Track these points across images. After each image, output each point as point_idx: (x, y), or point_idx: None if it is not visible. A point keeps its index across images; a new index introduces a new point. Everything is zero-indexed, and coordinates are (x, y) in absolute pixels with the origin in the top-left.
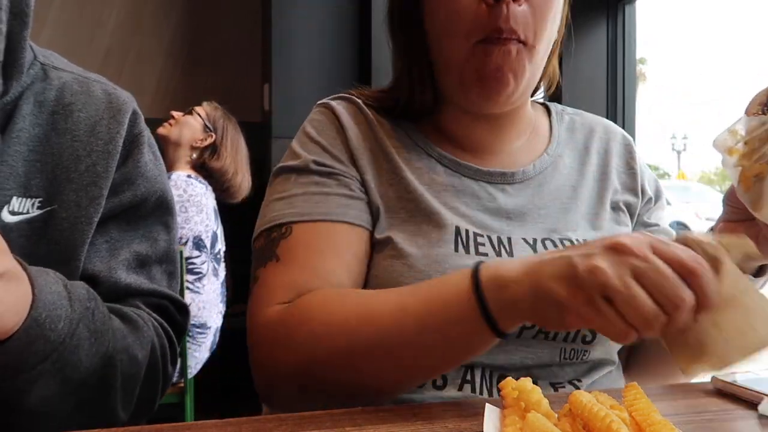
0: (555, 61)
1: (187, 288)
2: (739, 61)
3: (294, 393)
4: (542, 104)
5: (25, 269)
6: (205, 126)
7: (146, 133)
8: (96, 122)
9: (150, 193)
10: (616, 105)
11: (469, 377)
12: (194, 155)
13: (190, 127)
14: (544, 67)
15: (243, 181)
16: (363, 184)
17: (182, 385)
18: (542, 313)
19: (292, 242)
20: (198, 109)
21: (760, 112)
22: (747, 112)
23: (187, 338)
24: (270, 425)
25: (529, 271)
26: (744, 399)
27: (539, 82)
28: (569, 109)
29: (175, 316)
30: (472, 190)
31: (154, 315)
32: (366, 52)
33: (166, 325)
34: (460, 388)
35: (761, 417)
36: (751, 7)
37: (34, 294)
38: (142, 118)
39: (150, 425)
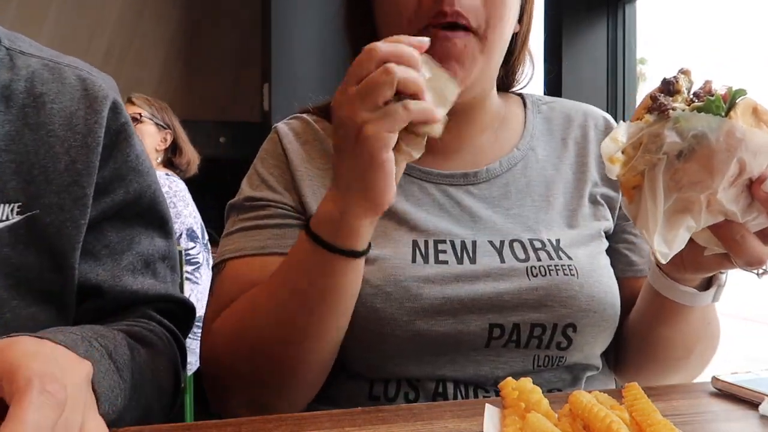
0: (526, 50)
1: (187, 279)
2: (740, 59)
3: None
4: (518, 95)
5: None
6: (158, 125)
7: (128, 128)
8: (72, 113)
9: (144, 188)
10: (616, 105)
11: (441, 389)
12: (160, 158)
13: (145, 134)
14: (515, 59)
15: (195, 158)
16: (303, 207)
17: (182, 384)
18: (350, 173)
19: (223, 276)
20: (138, 110)
21: (641, 117)
22: (632, 117)
23: None
24: (270, 425)
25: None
26: (744, 399)
27: (516, 74)
28: (547, 98)
29: (183, 318)
30: (433, 196)
31: (165, 323)
32: None
33: (176, 331)
34: (433, 401)
35: (762, 417)
36: (753, 7)
37: (96, 395)
38: (124, 106)
39: (150, 425)
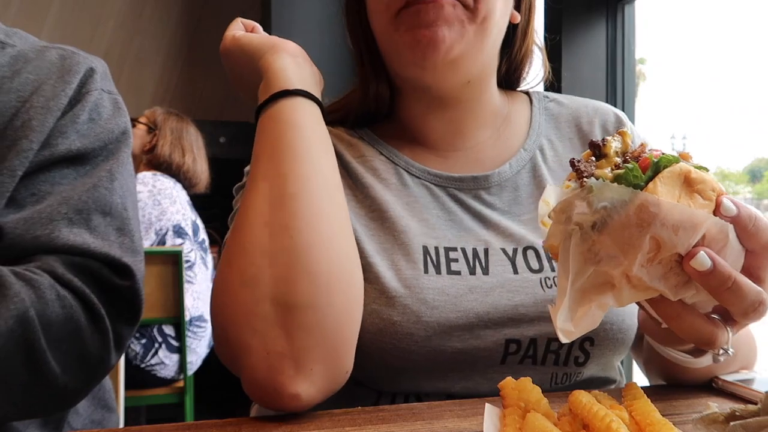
0: (531, 46)
1: (187, 281)
2: (742, 58)
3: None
4: (525, 93)
5: None
6: (149, 128)
7: (96, 93)
8: (43, 82)
9: (89, 151)
10: (617, 105)
11: None
12: (145, 158)
13: (134, 137)
14: (517, 52)
15: (194, 166)
16: None
17: (182, 384)
18: None
19: None
20: (140, 118)
21: (571, 179)
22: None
23: (187, 333)
24: (270, 425)
25: None
26: (745, 399)
27: (522, 71)
28: (553, 95)
29: (110, 279)
30: (442, 200)
31: (69, 278)
32: None
33: (86, 290)
34: None
35: None
36: (754, 6)
37: None
38: (101, 80)
39: (150, 425)
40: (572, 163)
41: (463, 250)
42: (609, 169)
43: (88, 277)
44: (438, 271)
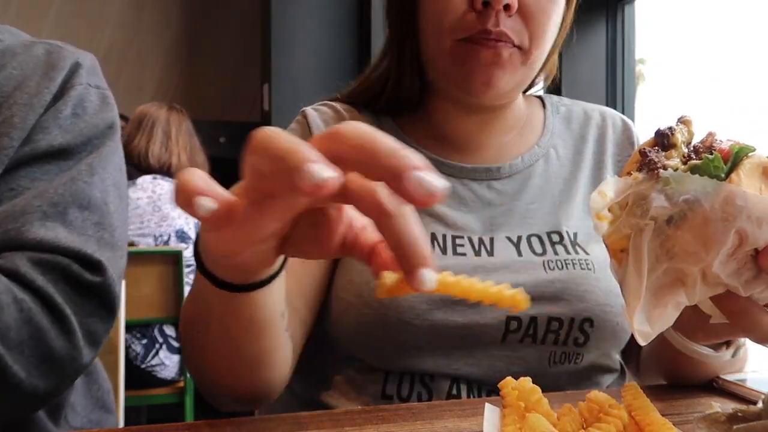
0: (555, 57)
1: (186, 284)
2: (742, 58)
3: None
4: (538, 97)
5: None
6: (125, 119)
7: (81, 88)
8: (26, 77)
9: (72, 146)
10: (615, 105)
11: (455, 391)
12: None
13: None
14: (543, 63)
15: (190, 164)
16: None
17: (182, 384)
18: None
19: None
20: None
21: (632, 171)
22: (622, 171)
23: None
24: (270, 425)
25: None
26: (745, 398)
27: (536, 77)
28: (566, 100)
29: (80, 275)
30: (455, 189)
31: (31, 277)
32: (365, 52)
33: (49, 290)
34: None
35: None
36: (754, 6)
37: None
38: (87, 75)
39: (150, 425)
40: (643, 153)
41: (470, 239)
42: (678, 159)
43: (54, 275)
44: (444, 252)
